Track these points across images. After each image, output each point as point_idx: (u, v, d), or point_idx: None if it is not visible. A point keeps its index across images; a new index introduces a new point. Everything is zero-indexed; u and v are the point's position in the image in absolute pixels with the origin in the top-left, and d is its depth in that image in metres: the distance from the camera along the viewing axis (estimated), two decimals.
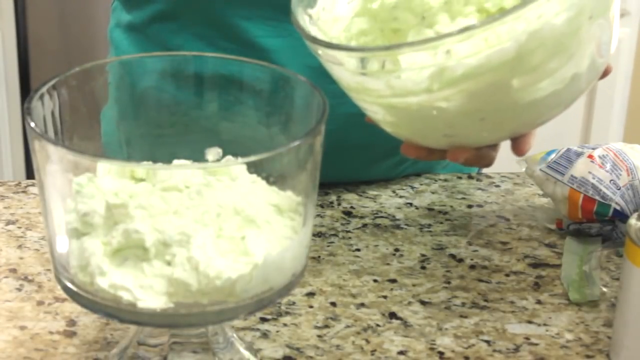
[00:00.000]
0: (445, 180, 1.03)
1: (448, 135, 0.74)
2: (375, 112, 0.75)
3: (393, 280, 0.85)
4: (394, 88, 0.70)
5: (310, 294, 0.82)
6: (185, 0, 0.94)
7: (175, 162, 0.70)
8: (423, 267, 0.87)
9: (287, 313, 0.80)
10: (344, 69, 0.71)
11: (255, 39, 0.92)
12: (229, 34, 0.92)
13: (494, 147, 0.78)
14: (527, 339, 0.78)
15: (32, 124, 0.63)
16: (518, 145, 0.77)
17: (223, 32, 0.93)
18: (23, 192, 0.98)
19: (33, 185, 0.99)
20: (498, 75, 0.68)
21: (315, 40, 0.71)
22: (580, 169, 0.90)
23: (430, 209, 0.97)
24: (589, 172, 0.89)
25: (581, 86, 0.74)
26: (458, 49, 0.67)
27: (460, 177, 1.04)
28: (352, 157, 0.98)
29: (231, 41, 0.92)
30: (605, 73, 0.77)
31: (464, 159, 0.76)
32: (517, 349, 0.76)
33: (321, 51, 0.71)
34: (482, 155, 0.77)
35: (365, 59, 0.70)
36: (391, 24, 0.78)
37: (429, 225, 0.94)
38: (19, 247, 0.88)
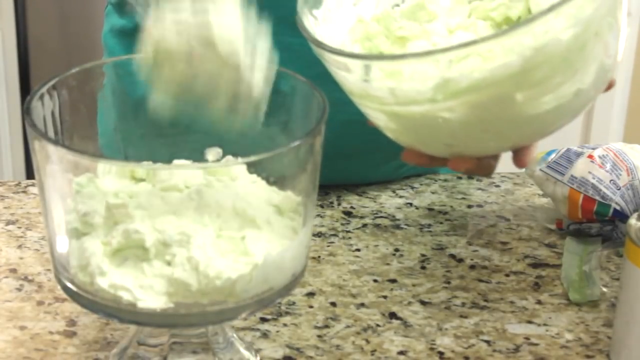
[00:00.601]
0: (445, 180, 1.03)
1: (449, 145, 0.74)
2: (378, 119, 0.75)
3: (393, 280, 0.85)
4: (398, 97, 0.70)
5: (310, 294, 0.82)
6: None
7: (175, 162, 0.70)
8: (423, 267, 0.87)
9: (287, 313, 0.80)
10: (348, 74, 0.71)
11: None
12: None
13: (495, 157, 0.78)
14: (527, 339, 0.78)
15: (32, 124, 0.63)
16: (519, 157, 0.77)
17: None
18: (23, 192, 0.98)
19: (33, 185, 0.99)
20: (502, 88, 0.68)
21: (320, 45, 0.71)
22: (580, 169, 0.90)
23: (430, 209, 0.97)
24: (589, 172, 0.89)
25: (584, 101, 0.73)
26: (462, 62, 0.67)
27: (460, 177, 1.04)
28: (353, 163, 0.98)
29: None
30: (609, 87, 0.77)
31: (465, 168, 0.76)
32: (517, 349, 0.76)
33: (326, 55, 0.71)
34: (483, 165, 0.77)
35: (369, 66, 0.69)
36: (396, 31, 0.78)
37: (429, 225, 0.94)
38: (19, 247, 0.88)
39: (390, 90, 0.69)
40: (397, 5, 0.84)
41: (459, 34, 0.78)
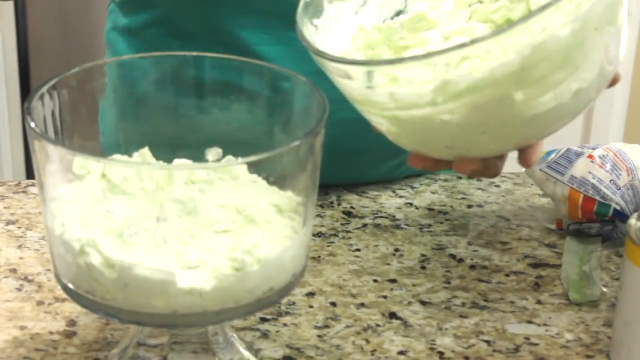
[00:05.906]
0: (445, 180, 1.03)
1: (449, 147, 0.74)
2: (380, 124, 0.75)
3: (393, 280, 0.85)
4: (398, 101, 0.70)
5: (310, 294, 0.82)
6: (182, 8, 0.94)
7: (176, 162, 0.70)
8: (423, 267, 0.87)
9: (287, 313, 0.80)
10: (350, 81, 0.71)
11: (253, 46, 0.92)
12: (227, 41, 0.92)
13: (501, 157, 0.78)
14: (527, 339, 0.78)
15: (32, 124, 0.63)
16: (524, 157, 0.77)
17: (221, 39, 0.92)
18: (23, 192, 0.98)
19: (33, 185, 0.99)
20: (501, 88, 0.68)
21: (319, 53, 0.71)
22: (580, 169, 0.90)
23: (430, 209, 0.97)
24: (589, 172, 0.89)
25: (584, 101, 0.73)
26: (461, 64, 0.66)
27: (460, 177, 1.04)
28: (352, 162, 0.98)
29: (229, 48, 0.92)
30: (614, 81, 0.77)
31: (469, 170, 0.76)
32: (517, 349, 0.76)
33: (326, 64, 0.71)
34: (489, 166, 0.77)
35: (370, 72, 0.69)
36: (398, 42, 0.78)
37: (429, 225, 0.94)
38: (19, 247, 0.88)
39: (391, 94, 0.70)
40: (400, 11, 0.84)
41: (454, 40, 0.78)
